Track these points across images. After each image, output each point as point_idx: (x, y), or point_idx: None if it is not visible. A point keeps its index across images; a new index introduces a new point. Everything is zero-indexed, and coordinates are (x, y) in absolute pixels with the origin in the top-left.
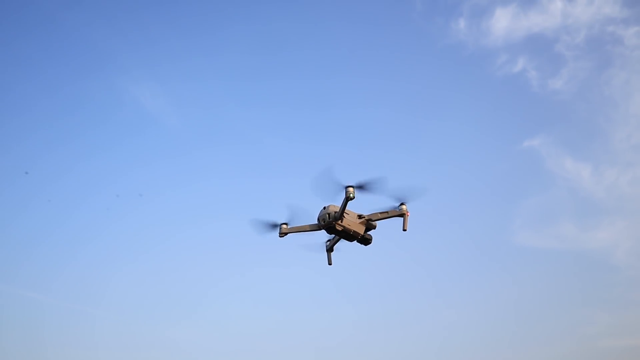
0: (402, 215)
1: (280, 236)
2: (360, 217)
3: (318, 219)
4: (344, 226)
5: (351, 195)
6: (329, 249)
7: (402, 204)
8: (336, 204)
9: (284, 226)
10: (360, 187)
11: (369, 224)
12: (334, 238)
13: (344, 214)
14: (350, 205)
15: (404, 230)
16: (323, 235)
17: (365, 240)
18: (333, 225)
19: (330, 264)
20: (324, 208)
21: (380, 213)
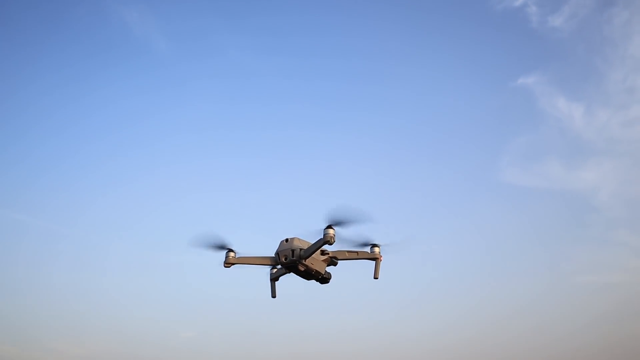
0: (374, 259)
1: (225, 266)
2: (323, 253)
3: (277, 254)
4: (307, 266)
5: (332, 240)
6: (274, 279)
7: (374, 246)
8: (300, 238)
9: (232, 254)
10: (340, 223)
11: (332, 262)
12: (282, 269)
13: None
14: (310, 237)
15: (375, 278)
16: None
17: (324, 280)
18: (295, 265)
19: (274, 296)
20: (286, 241)
21: (348, 252)
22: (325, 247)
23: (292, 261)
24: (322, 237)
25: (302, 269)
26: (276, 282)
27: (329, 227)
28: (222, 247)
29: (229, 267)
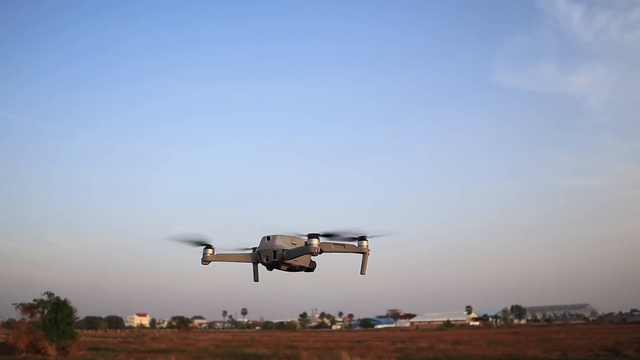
0: (361, 252)
1: (203, 264)
2: (307, 244)
3: (259, 253)
4: (289, 264)
5: (315, 252)
6: (257, 262)
7: (362, 238)
8: (283, 235)
9: (210, 251)
10: (328, 235)
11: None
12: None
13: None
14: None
15: (362, 274)
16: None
17: (309, 270)
18: (277, 265)
19: (256, 280)
20: (267, 239)
21: (335, 245)
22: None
23: (273, 262)
24: (306, 245)
25: (284, 268)
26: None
27: (315, 236)
28: (200, 243)
29: (206, 264)
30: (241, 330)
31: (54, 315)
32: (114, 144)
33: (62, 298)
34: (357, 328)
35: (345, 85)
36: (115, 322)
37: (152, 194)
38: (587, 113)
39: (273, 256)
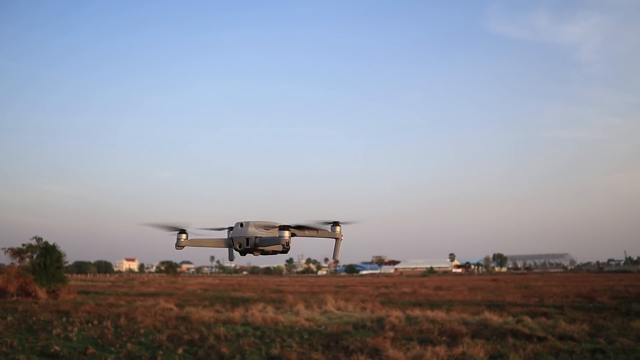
0: (334, 238)
1: (177, 249)
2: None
3: (232, 239)
4: (262, 250)
5: (286, 245)
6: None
7: (336, 224)
8: (256, 222)
9: (183, 236)
10: (301, 227)
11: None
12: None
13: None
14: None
15: (335, 260)
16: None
17: (283, 252)
18: (250, 252)
19: (231, 259)
20: (241, 226)
21: (308, 230)
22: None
23: (246, 249)
24: (277, 236)
25: (257, 254)
26: None
27: (286, 228)
28: (174, 228)
29: (180, 249)
30: (229, 275)
31: (43, 260)
32: (105, 90)
33: (51, 243)
34: (342, 274)
35: (333, 30)
36: (104, 267)
37: (141, 140)
38: (579, 64)
39: (246, 243)
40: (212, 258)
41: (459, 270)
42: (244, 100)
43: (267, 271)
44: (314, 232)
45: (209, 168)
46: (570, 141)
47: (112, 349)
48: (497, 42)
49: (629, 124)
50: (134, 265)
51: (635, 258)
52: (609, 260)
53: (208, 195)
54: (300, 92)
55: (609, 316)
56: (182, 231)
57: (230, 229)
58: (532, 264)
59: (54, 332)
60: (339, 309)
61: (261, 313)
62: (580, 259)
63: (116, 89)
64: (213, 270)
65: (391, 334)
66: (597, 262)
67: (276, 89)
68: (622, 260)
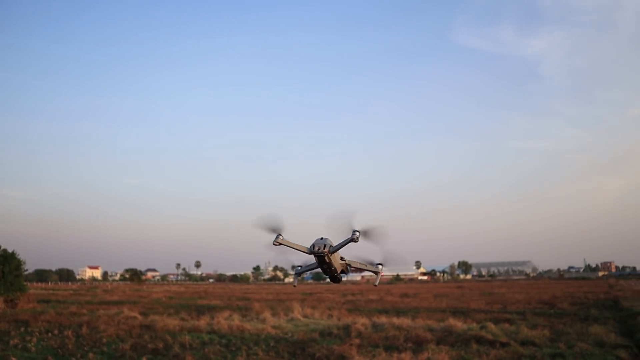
0: (376, 273)
1: (274, 244)
2: (342, 259)
3: (313, 245)
4: (330, 260)
5: (357, 239)
6: (298, 274)
7: (380, 264)
8: (332, 240)
9: (281, 237)
10: (365, 233)
11: (345, 268)
12: (308, 265)
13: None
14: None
15: (375, 285)
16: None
17: (336, 279)
18: (323, 256)
19: (295, 286)
20: (322, 239)
21: (359, 263)
22: (343, 253)
23: (322, 252)
24: (349, 237)
25: (327, 260)
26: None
27: (356, 231)
28: (274, 230)
29: (277, 245)
30: (194, 282)
31: (0, 268)
32: (64, 92)
33: (10, 250)
34: (309, 281)
35: (304, 46)
36: (66, 275)
37: (104, 146)
38: (542, 77)
39: (323, 247)
40: (178, 266)
41: (425, 277)
42: (212, 106)
43: (234, 279)
44: (363, 266)
45: (176, 175)
46: (533, 151)
47: (73, 359)
48: (464, 53)
49: (589, 136)
50: (98, 273)
51: (594, 265)
52: (570, 267)
53: (176, 202)
54: (270, 100)
55: (569, 322)
56: (280, 234)
57: (310, 252)
58: (495, 271)
59: (11, 342)
60: (305, 316)
61: (227, 321)
62: (542, 267)
63: (74, 90)
64: (179, 278)
65: (357, 341)
66: (558, 270)
67: (244, 94)
68: (581, 268)
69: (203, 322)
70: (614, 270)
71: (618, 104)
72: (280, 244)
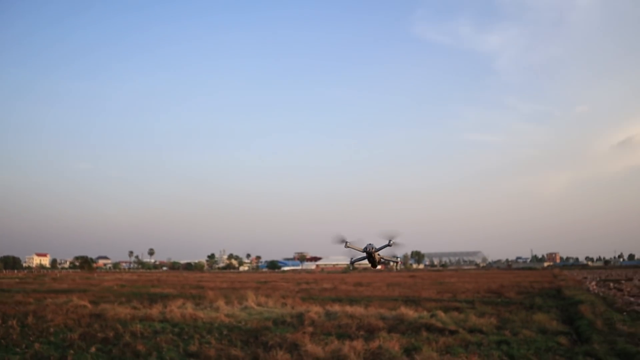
0: (396, 262)
1: (345, 247)
2: (378, 254)
3: (365, 247)
4: (375, 255)
5: (391, 244)
6: (352, 263)
7: (397, 257)
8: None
9: (349, 242)
10: (391, 240)
11: (379, 260)
12: (358, 258)
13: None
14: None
15: (396, 270)
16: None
17: (376, 266)
18: (372, 253)
19: (351, 269)
20: (370, 244)
21: (387, 257)
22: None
23: (371, 251)
24: (387, 243)
25: (373, 256)
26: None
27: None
28: (343, 239)
29: (347, 247)
30: (147, 270)
31: None
32: (10, 72)
33: None
34: (264, 270)
35: (261, 35)
36: (12, 263)
37: (52, 129)
38: (497, 72)
39: (372, 249)
40: (131, 253)
41: (379, 267)
42: (166, 91)
43: (188, 267)
44: (389, 258)
45: (129, 160)
46: (486, 145)
47: (17, 349)
48: (423, 46)
49: (539, 131)
50: (46, 261)
51: (540, 256)
52: (518, 258)
53: (129, 188)
54: (224, 86)
55: (515, 310)
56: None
57: (363, 250)
58: (447, 261)
59: None
60: (259, 304)
61: (180, 309)
62: (492, 257)
63: (21, 70)
64: (131, 265)
65: (310, 329)
66: (507, 260)
67: (199, 80)
68: (529, 258)
69: (155, 310)
70: (558, 260)
71: (567, 101)
72: (349, 247)
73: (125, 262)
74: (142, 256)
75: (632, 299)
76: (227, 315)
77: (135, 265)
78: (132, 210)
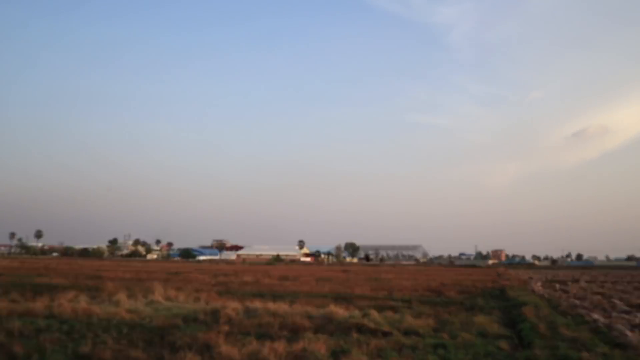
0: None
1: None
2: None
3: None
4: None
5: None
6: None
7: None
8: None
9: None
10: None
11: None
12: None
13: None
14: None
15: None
16: None
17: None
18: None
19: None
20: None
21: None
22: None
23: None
24: None
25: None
26: None
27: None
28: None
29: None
30: (33, 256)
31: None
32: None
33: None
34: (177, 258)
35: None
36: None
37: None
38: (449, 48)
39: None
40: (13, 235)
41: (308, 259)
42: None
43: (84, 253)
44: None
45: (13, 123)
46: (432, 127)
47: None
48: (373, 14)
49: (490, 116)
50: None
51: (485, 253)
52: (461, 254)
53: (11, 157)
54: (174, 75)
55: (455, 311)
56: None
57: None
58: (385, 254)
59: None
60: (168, 299)
61: (71, 303)
62: (433, 252)
63: None
64: (13, 250)
65: (226, 328)
66: (449, 256)
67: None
68: (472, 255)
69: (40, 304)
70: (504, 258)
71: (521, 85)
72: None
73: (5, 246)
74: (27, 239)
75: (577, 301)
76: (128, 311)
77: (18, 250)
78: (14, 184)
